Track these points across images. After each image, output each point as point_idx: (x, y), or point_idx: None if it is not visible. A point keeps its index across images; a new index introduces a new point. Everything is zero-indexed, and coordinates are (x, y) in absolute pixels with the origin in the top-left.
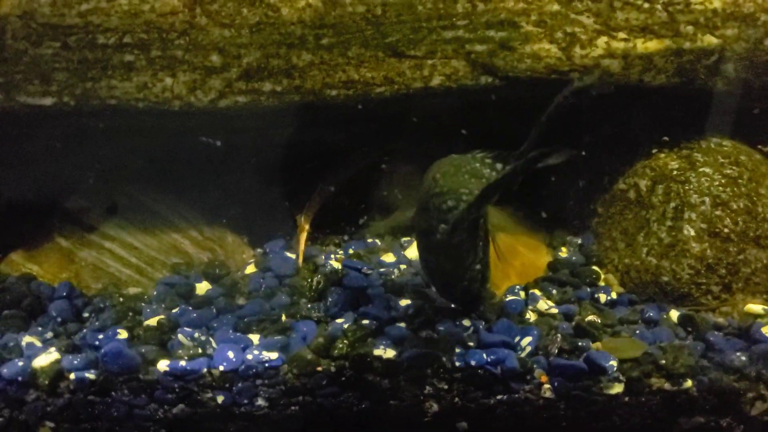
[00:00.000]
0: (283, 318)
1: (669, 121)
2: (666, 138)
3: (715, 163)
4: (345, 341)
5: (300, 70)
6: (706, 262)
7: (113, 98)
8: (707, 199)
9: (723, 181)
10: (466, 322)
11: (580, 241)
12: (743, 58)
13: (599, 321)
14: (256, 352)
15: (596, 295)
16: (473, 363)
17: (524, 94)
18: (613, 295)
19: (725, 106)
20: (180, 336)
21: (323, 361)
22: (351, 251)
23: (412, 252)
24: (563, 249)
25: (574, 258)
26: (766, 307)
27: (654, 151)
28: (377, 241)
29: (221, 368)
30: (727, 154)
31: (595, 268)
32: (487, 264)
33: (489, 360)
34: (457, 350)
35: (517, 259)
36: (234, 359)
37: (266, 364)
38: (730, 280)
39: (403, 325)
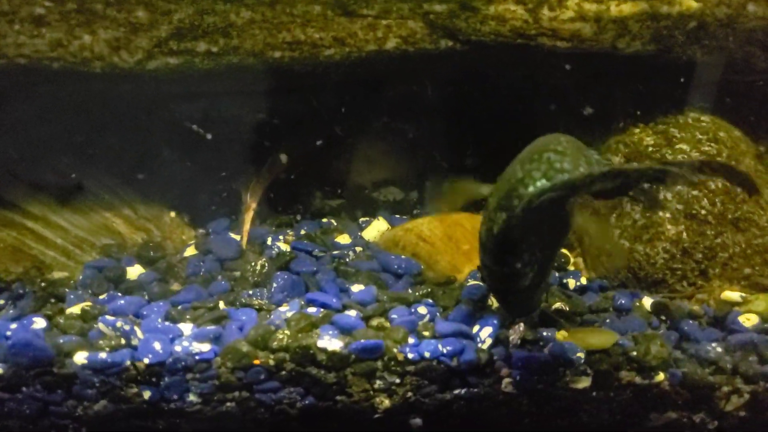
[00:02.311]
0: (221, 306)
1: (645, 93)
2: (641, 112)
3: (693, 139)
4: (286, 332)
5: (239, 28)
6: (682, 245)
7: (22, 56)
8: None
9: (700, 158)
10: (422, 310)
11: None
12: (724, 25)
13: (567, 309)
14: (186, 343)
15: (564, 281)
16: (427, 354)
17: (489, 60)
18: (583, 281)
19: (705, 78)
20: (100, 325)
21: (261, 354)
22: (303, 232)
23: (371, 232)
24: None
25: None
26: (744, 294)
27: (629, 126)
28: (333, 221)
29: (146, 361)
30: (705, 130)
31: (564, 251)
32: (545, 272)
33: (445, 351)
34: (411, 341)
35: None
36: (161, 351)
37: (197, 357)
38: (706, 266)
39: (353, 313)
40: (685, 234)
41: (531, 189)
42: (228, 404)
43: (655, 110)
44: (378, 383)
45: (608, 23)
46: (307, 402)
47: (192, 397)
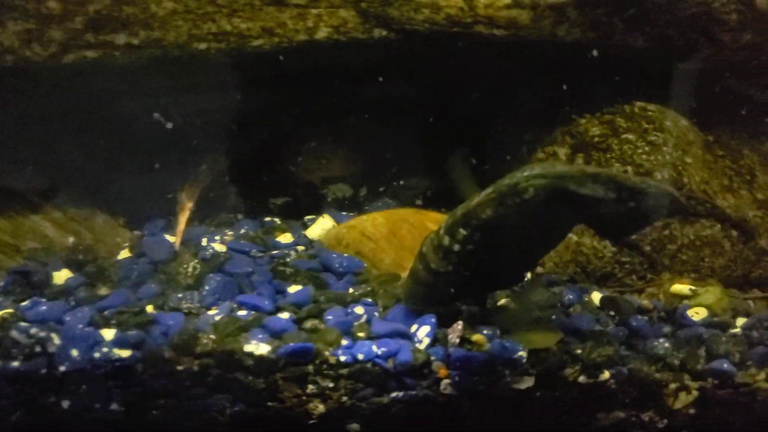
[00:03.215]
0: (150, 310)
1: (590, 83)
2: (587, 102)
3: (639, 129)
4: (212, 336)
5: (160, 19)
6: (630, 238)
7: None
8: (630, 168)
9: (647, 148)
10: (359, 310)
11: None
12: (665, 11)
13: (513, 305)
14: (105, 349)
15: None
16: (361, 357)
17: (429, 50)
18: (528, 276)
19: (649, 66)
20: (14, 333)
21: (185, 359)
22: (243, 231)
23: (315, 231)
24: None
25: None
26: (693, 287)
27: (575, 116)
28: (276, 219)
29: (62, 369)
30: (651, 120)
31: None
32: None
33: (379, 353)
34: (344, 342)
35: None
36: (78, 358)
37: (117, 364)
38: (655, 258)
39: (286, 315)
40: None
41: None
42: (154, 412)
43: (602, 100)
44: (311, 388)
45: (545, 10)
46: (237, 409)
47: (114, 406)
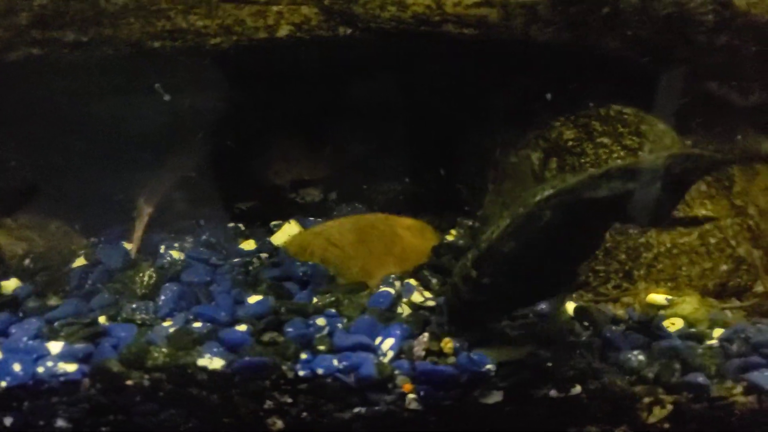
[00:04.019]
0: (102, 321)
1: (565, 86)
2: (562, 105)
3: (614, 132)
4: (164, 349)
5: (111, 16)
6: (604, 246)
7: None
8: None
9: (622, 153)
10: (321, 322)
11: (471, 223)
12: (639, 12)
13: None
14: (50, 363)
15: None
16: (320, 371)
17: (399, 50)
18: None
19: (626, 67)
20: None
21: (135, 374)
22: (204, 238)
23: (281, 237)
24: (453, 231)
25: (461, 242)
26: (669, 297)
27: (549, 119)
28: (240, 225)
29: (3, 384)
30: (627, 123)
31: None
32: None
33: (340, 367)
34: (304, 356)
35: (397, 244)
36: (21, 373)
37: (62, 378)
38: (630, 267)
39: (244, 328)
40: (607, 233)
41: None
42: (103, 429)
43: (577, 103)
44: (268, 403)
45: (516, 8)
46: (191, 425)
47: (61, 422)
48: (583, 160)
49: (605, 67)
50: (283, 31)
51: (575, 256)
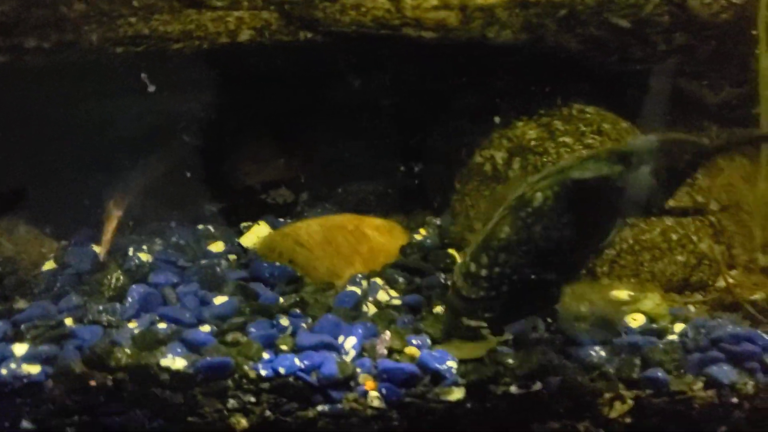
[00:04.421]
0: (69, 323)
1: (528, 86)
2: (525, 105)
3: (576, 132)
4: (127, 350)
5: (72, 22)
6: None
7: None
8: (550, 166)
9: (583, 151)
10: (285, 322)
11: (439, 222)
12: (596, 14)
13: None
14: (13, 365)
15: (448, 282)
16: (282, 370)
17: (359, 52)
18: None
19: (585, 67)
20: None
21: (98, 374)
22: (174, 240)
23: (250, 239)
24: (422, 231)
25: (429, 241)
26: (632, 293)
27: (512, 119)
28: (210, 227)
29: None
30: (589, 122)
31: (451, 251)
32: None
33: (302, 366)
34: (266, 356)
35: (364, 244)
36: None
37: (25, 380)
38: (594, 263)
39: (208, 328)
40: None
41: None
42: (68, 429)
43: (539, 103)
44: (231, 402)
45: (475, 11)
46: (156, 424)
47: (26, 424)
48: (545, 159)
49: (570, 67)
50: (245, 35)
51: (573, 247)
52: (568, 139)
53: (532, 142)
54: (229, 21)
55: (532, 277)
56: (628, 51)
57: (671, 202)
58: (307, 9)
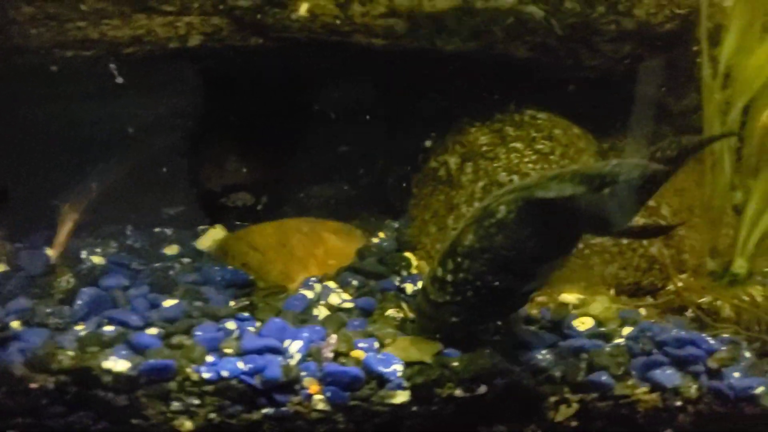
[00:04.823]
0: (16, 326)
1: (480, 92)
2: (477, 111)
3: (527, 137)
4: (69, 353)
5: (20, 26)
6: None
7: None
8: (516, 177)
9: (533, 157)
10: (231, 325)
11: (397, 225)
12: (543, 21)
13: (400, 315)
14: None
15: (402, 286)
16: (225, 374)
17: (308, 58)
18: (420, 285)
19: (537, 75)
20: None
21: (40, 377)
22: (129, 243)
23: (206, 242)
24: (380, 234)
25: (385, 244)
26: (581, 297)
27: (465, 125)
28: (167, 230)
29: None
30: (540, 128)
31: (407, 254)
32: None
33: (245, 369)
34: (210, 359)
35: (320, 247)
36: None
37: None
38: None
39: (154, 331)
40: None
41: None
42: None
43: (492, 109)
44: (175, 405)
45: (422, 19)
46: (100, 426)
47: None
48: (495, 165)
49: (523, 74)
50: (195, 40)
51: (535, 258)
52: (518, 145)
53: (484, 148)
54: (179, 26)
55: (495, 284)
56: (578, 58)
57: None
58: (257, 15)
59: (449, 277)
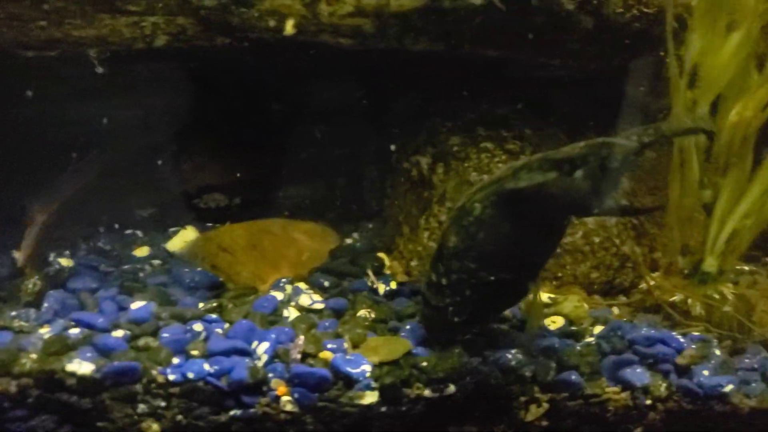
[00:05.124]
0: None
1: (452, 91)
2: (450, 111)
3: (497, 137)
4: (32, 356)
5: None
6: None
7: None
8: (486, 177)
9: (503, 156)
10: (198, 327)
11: (371, 225)
12: (514, 21)
13: (371, 316)
14: None
15: (375, 286)
16: (191, 375)
17: (276, 58)
18: (393, 286)
19: (508, 73)
20: None
21: (2, 381)
22: (99, 245)
23: (177, 243)
24: (355, 234)
25: (359, 244)
26: (552, 296)
27: (438, 125)
28: (138, 232)
29: None
30: (511, 128)
31: (380, 255)
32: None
33: (211, 371)
34: (176, 361)
35: (292, 248)
36: None
37: None
38: None
39: (120, 333)
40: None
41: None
42: None
43: (464, 109)
44: (141, 407)
45: (390, 18)
46: (64, 430)
47: None
48: (466, 165)
49: (494, 73)
50: (161, 41)
51: (526, 248)
52: (489, 145)
53: (455, 148)
54: (144, 26)
55: (491, 278)
56: (547, 58)
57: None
58: (223, 15)
59: (443, 281)
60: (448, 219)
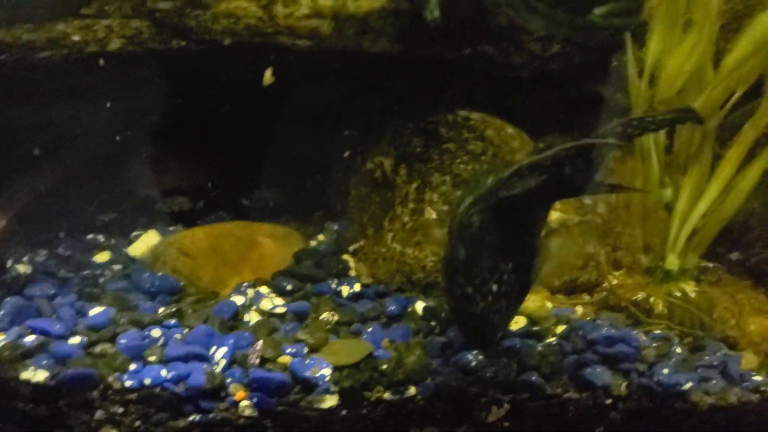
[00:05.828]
0: None
1: (413, 94)
2: (411, 113)
3: (460, 138)
4: None
5: None
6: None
7: None
8: (447, 179)
9: (465, 157)
10: (156, 333)
11: (336, 227)
12: (475, 23)
13: (334, 319)
14: None
15: (338, 288)
16: (147, 381)
17: (234, 60)
18: (357, 288)
19: (467, 74)
20: None
21: None
22: (60, 250)
23: (139, 248)
24: (320, 237)
25: (323, 247)
26: None
27: (399, 127)
28: (99, 237)
29: None
30: (473, 129)
31: (345, 257)
32: (514, 295)
33: (168, 377)
34: (133, 367)
35: (254, 251)
36: None
37: None
38: None
39: (77, 340)
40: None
41: (461, 208)
42: None
43: (425, 110)
44: (99, 414)
45: (347, 20)
46: None
47: None
48: (428, 166)
49: (455, 74)
50: (115, 44)
51: (532, 234)
52: (451, 146)
53: (417, 149)
54: (97, 30)
55: (510, 265)
56: (507, 58)
57: None
58: (178, 17)
59: (469, 290)
60: (447, 232)
